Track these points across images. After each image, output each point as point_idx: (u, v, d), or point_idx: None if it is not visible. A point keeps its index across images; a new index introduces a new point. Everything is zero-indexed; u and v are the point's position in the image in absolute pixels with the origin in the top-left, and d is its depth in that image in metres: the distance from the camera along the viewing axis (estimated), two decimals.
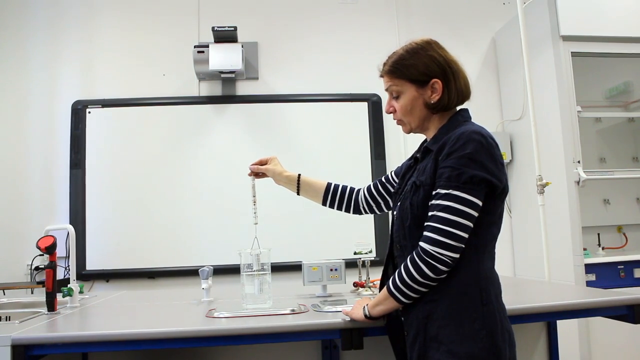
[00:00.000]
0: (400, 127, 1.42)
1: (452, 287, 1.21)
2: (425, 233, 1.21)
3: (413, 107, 1.34)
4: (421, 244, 1.21)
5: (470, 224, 1.19)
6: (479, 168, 1.19)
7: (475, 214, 1.20)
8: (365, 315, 1.36)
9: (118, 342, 1.39)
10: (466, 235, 1.19)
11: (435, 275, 1.19)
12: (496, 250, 1.30)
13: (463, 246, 1.19)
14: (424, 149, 1.37)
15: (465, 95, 1.35)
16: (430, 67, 1.31)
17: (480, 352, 1.16)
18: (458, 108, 1.37)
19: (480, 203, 1.20)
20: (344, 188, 1.73)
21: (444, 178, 1.21)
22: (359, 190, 1.72)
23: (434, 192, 1.23)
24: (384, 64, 1.39)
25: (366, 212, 1.72)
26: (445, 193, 1.20)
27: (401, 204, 1.34)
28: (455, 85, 1.32)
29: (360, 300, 1.43)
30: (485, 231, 1.24)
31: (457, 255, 1.19)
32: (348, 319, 1.42)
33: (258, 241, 1.67)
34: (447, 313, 1.20)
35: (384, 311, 1.32)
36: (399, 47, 1.38)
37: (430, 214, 1.22)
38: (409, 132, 1.41)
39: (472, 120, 1.35)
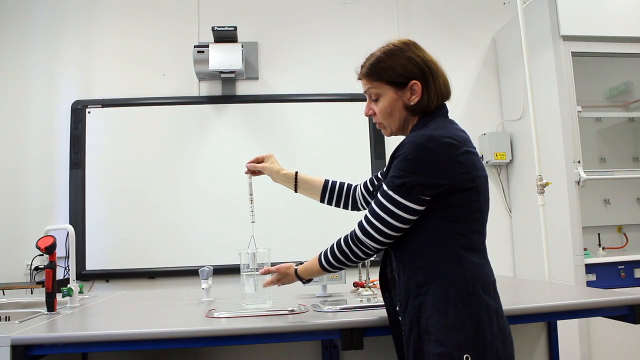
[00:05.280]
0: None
1: (438, 278, 1.21)
2: (362, 218, 1.31)
3: (393, 109, 1.33)
4: (355, 227, 1.31)
5: (399, 224, 1.24)
6: (414, 173, 1.21)
7: (408, 216, 1.23)
8: (296, 273, 1.47)
9: (118, 342, 1.39)
10: (393, 233, 1.25)
11: (364, 256, 1.33)
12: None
13: (389, 241, 1.27)
14: (395, 149, 1.37)
15: (445, 95, 1.34)
16: (409, 69, 1.30)
17: (465, 342, 1.16)
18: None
19: (414, 206, 1.22)
20: (342, 185, 1.72)
21: (388, 177, 1.28)
22: (356, 187, 1.72)
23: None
24: (362, 67, 1.38)
25: (364, 208, 1.71)
26: (384, 190, 1.27)
27: None
28: (434, 85, 1.31)
29: (280, 267, 1.51)
30: (464, 224, 1.23)
31: (381, 247, 1.29)
32: (348, 319, 1.42)
33: (254, 240, 1.66)
34: (434, 304, 1.20)
35: (309, 272, 1.46)
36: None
37: (371, 203, 1.30)
38: (389, 135, 1.41)
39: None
